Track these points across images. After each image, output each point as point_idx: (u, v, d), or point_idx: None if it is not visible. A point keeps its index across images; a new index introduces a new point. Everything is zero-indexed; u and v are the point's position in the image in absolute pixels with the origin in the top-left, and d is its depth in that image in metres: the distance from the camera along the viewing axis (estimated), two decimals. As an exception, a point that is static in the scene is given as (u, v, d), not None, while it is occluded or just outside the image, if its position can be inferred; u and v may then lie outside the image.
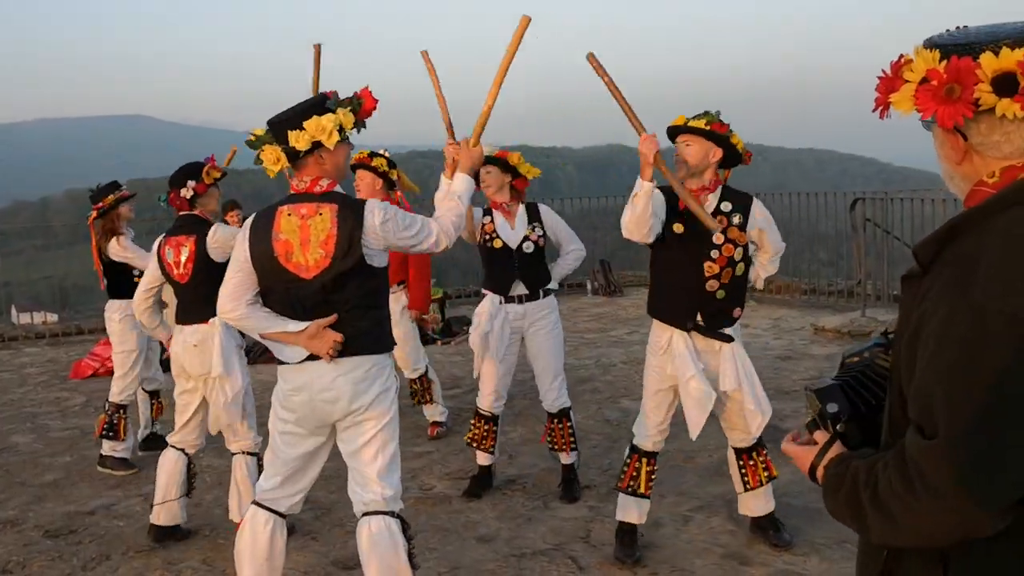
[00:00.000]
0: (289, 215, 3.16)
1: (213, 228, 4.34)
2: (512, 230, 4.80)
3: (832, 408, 1.59)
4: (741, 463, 4.08)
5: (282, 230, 3.14)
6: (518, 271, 4.76)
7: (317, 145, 3.11)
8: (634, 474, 4.04)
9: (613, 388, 7.15)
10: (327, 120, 3.09)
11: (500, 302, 4.79)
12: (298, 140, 3.09)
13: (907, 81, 1.41)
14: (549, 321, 4.81)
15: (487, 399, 4.89)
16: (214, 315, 4.18)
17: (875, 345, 1.68)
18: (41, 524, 4.80)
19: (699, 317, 3.86)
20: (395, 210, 3.23)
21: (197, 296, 4.29)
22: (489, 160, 4.68)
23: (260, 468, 4.37)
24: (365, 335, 3.19)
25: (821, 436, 1.61)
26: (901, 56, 1.44)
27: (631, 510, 4.07)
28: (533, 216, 4.85)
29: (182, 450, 4.47)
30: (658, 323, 3.99)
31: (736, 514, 4.30)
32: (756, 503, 4.11)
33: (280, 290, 3.17)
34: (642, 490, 4.03)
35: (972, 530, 1.30)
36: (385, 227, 3.14)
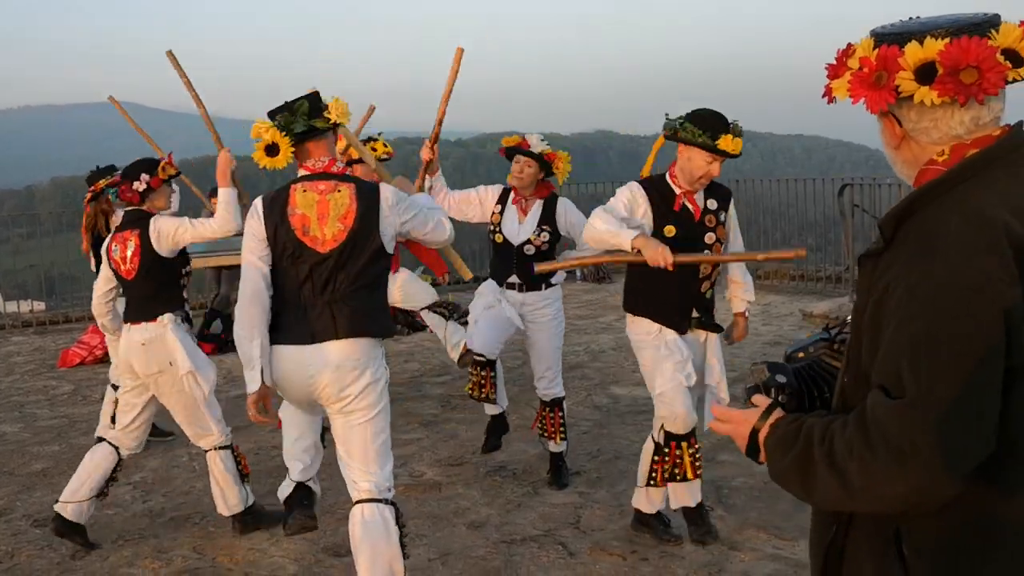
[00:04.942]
0: (305, 191, 3.24)
1: (153, 219, 4.19)
2: (519, 226, 4.70)
3: (780, 379, 1.64)
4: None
5: (298, 205, 3.22)
6: (515, 267, 4.70)
7: (337, 125, 3.32)
8: (676, 461, 3.86)
9: (603, 374, 7.16)
10: (344, 103, 3.31)
11: (500, 287, 4.77)
12: (332, 114, 3.29)
13: (849, 69, 1.48)
14: (548, 312, 4.74)
15: (483, 341, 4.69)
16: (163, 312, 4.14)
17: (819, 340, 1.75)
18: (30, 513, 4.78)
19: (694, 313, 3.84)
20: (405, 195, 3.37)
21: (145, 293, 4.18)
22: (529, 154, 4.61)
23: (236, 459, 4.33)
24: (366, 316, 3.26)
25: (761, 400, 1.62)
26: (849, 45, 1.51)
27: (683, 495, 3.96)
28: (548, 215, 4.70)
29: (116, 448, 4.31)
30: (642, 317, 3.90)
31: (725, 500, 4.32)
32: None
33: (290, 267, 3.21)
34: (689, 476, 3.88)
35: (928, 494, 1.32)
36: (397, 210, 3.28)
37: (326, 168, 3.28)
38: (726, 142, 3.61)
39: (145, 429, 4.38)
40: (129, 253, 4.17)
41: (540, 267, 3.92)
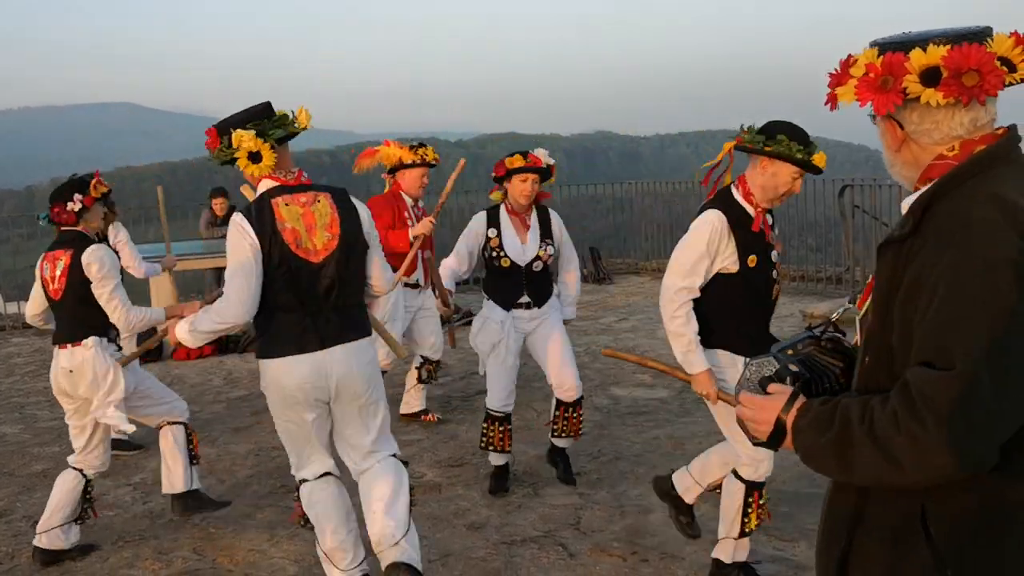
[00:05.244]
0: (287, 205, 3.26)
1: (93, 248, 4.10)
2: (523, 245, 4.58)
3: (794, 368, 1.68)
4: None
5: (286, 219, 3.24)
6: (526, 287, 4.61)
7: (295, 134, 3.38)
8: (760, 510, 3.53)
9: (603, 375, 7.14)
10: (308, 111, 3.37)
11: (507, 309, 4.63)
12: (301, 121, 3.34)
13: (853, 76, 1.58)
14: (553, 316, 4.69)
15: (498, 399, 4.69)
16: (88, 335, 4.10)
17: (806, 338, 1.78)
18: (30, 515, 4.78)
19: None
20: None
21: (70, 314, 4.13)
22: (533, 170, 4.51)
23: (188, 436, 4.38)
24: (365, 318, 3.45)
25: (779, 388, 1.66)
26: (849, 55, 1.61)
27: (743, 548, 3.60)
28: (546, 229, 4.64)
29: (80, 471, 4.25)
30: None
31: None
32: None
33: (290, 281, 3.22)
34: (756, 524, 3.56)
35: (975, 461, 1.38)
36: (369, 223, 3.42)
37: (297, 180, 3.34)
38: (820, 158, 3.34)
39: (105, 447, 4.29)
40: (58, 273, 4.10)
41: (607, 351, 3.38)
